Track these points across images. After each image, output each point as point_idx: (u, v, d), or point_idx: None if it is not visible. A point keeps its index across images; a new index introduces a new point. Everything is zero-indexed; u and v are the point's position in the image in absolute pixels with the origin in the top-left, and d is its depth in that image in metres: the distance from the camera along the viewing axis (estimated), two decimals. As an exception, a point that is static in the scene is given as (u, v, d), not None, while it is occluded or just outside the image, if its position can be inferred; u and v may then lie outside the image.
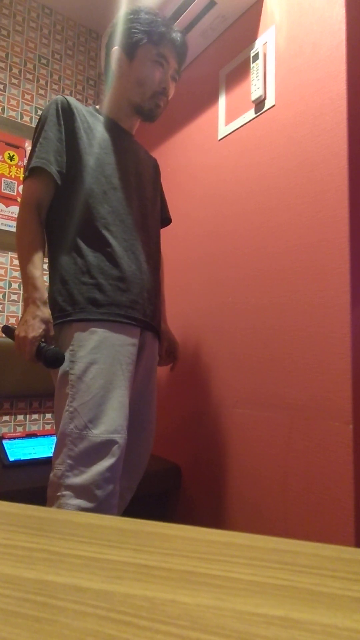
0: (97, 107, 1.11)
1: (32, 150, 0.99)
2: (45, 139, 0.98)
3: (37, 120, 1.04)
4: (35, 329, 0.90)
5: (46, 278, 1.11)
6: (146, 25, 1.03)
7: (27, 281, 0.94)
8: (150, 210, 1.12)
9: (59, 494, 0.87)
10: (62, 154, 0.99)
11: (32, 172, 0.97)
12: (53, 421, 1.83)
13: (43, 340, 0.93)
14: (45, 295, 0.95)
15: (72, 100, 1.03)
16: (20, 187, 1.82)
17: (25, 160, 1.83)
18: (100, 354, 0.92)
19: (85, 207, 0.98)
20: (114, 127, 1.08)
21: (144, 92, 1.06)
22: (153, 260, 1.10)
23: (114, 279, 0.97)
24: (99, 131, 1.04)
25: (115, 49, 1.06)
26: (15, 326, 0.95)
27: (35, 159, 0.97)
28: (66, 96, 1.03)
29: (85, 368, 0.91)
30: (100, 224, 0.98)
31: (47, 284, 1.04)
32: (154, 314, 1.08)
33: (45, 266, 1.12)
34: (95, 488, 0.86)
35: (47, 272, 1.08)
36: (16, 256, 1.17)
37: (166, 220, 1.31)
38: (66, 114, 1.00)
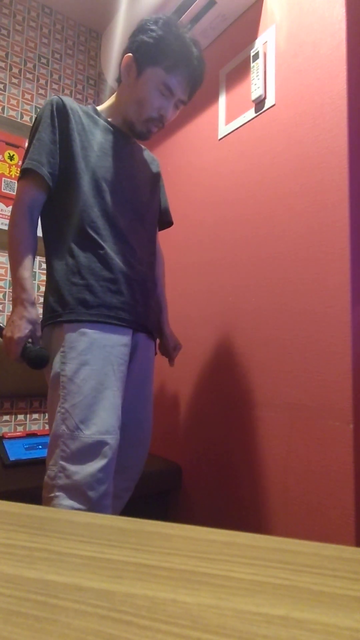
0: (97, 107, 1.09)
1: (26, 152, 0.99)
2: (39, 140, 0.97)
3: (36, 120, 1.04)
4: (22, 330, 0.91)
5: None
6: (165, 47, 0.97)
7: (16, 282, 0.94)
8: (144, 213, 1.10)
9: (51, 495, 0.87)
10: (55, 156, 0.98)
11: (25, 174, 0.97)
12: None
13: (30, 340, 0.93)
14: (33, 296, 0.95)
15: (67, 100, 1.01)
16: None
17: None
18: (91, 355, 0.92)
19: (78, 210, 0.98)
20: (111, 129, 1.06)
21: (140, 114, 1.03)
22: (147, 262, 1.08)
23: (104, 280, 0.97)
24: (94, 133, 1.03)
25: (129, 56, 1.02)
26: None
27: (28, 160, 0.96)
28: (62, 97, 1.02)
29: (77, 369, 0.91)
30: (90, 227, 0.97)
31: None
32: (148, 315, 1.06)
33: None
34: (87, 489, 0.85)
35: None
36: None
37: (167, 223, 1.30)
38: (61, 115, 0.99)
